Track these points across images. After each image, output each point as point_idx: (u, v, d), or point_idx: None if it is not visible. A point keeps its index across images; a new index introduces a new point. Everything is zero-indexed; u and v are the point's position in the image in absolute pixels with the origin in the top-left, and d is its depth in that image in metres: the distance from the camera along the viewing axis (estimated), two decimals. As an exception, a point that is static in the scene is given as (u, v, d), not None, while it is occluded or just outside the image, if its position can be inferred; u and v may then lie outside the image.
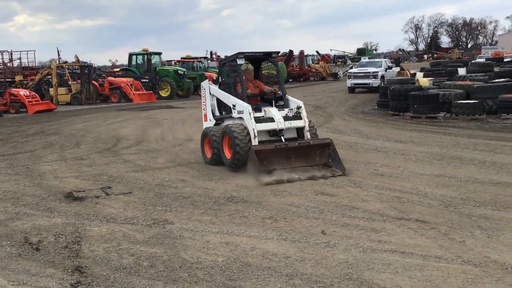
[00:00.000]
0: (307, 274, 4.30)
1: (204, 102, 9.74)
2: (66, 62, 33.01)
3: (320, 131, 9.11)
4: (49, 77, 26.89)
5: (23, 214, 6.38)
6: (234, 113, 8.46)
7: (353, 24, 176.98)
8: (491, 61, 27.96)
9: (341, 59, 54.63)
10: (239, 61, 8.61)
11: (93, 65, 36.79)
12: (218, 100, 9.35)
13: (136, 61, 29.20)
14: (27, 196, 7.28)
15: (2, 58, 32.50)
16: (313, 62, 49.55)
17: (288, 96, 8.90)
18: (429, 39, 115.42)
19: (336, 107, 19.43)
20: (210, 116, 9.57)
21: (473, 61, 28.27)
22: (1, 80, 29.18)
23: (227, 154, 8.38)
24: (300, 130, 8.44)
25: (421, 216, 5.74)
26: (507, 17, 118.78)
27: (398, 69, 29.49)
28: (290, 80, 41.49)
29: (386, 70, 27.10)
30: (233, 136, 7.95)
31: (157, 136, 13.32)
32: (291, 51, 41.80)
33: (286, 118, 8.30)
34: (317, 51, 58.42)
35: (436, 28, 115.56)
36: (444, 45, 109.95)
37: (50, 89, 26.34)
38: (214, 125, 9.35)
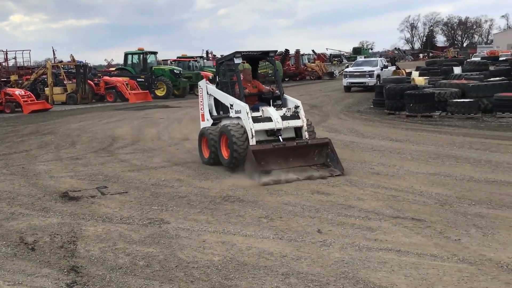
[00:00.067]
0: (303, 273, 4.31)
1: (201, 101, 9.69)
2: (61, 61, 32.96)
3: (316, 130, 9.10)
4: (44, 76, 26.80)
5: (19, 214, 6.36)
6: (232, 112, 8.40)
7: (349, 23, 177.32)
8: (486, 60, 28.08)
9: (337, 58, 54.57)
10: (237, 61, 8.56)
11: (89, 65, 36.74)
12: (216, 100, 9.30)
13: (132, 61, 29.11)
14: (23, 196, 7.26)
15: (-3, 58, 32.41)
16: (309, 61, 49.55)
17: (286, 96, 8.83)
18: (424, 38, 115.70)
19: (332, 106, 19.44)
20: (207, 116, 9.52)
21: (468, 60, 28.39)
22: (-4, 79, 29.07)
23: (225, 154, 8.33)
24: (298, 130, 8.38)
25: (416, 215, 5.75)
26: (502, 16, 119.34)
27: (393, 68, 29.59)
28: (286, 79, 41.47)
29: (382, 69, 27.17)
30: (231, 136, 7.91)
31: (153, 135, 13.30)
32: (287, 50, 41.80)
33: (284, 117, 8.25)
34: (313, 50, 58.48)
35: (431, 27, 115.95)
36: (439, 44, 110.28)
37: (45, 88, 26.22)
38: (212, 125, 9.30)
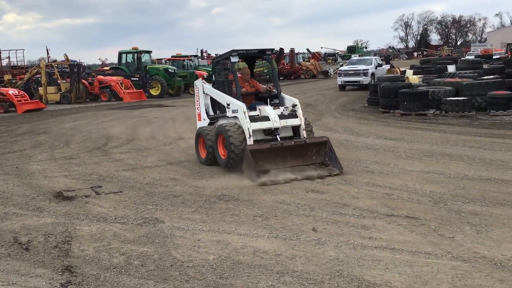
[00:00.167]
0: (298, 271, 4.31)
1: (197, 101, 9.56)
2: (55, 60, 32.86)
3: (311, 129, 9.08)
4: (38, 76, 26.70)
5: (13, 214, 6.33)
6: (229, 112, 8.31)
7: (343, 22, 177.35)
8: (480, 58, 28.15)
9: (331, 57, 54.58)
10: (233, 59, 8.43)
11: (83, 64, 36.60)
12: (212, 99, 9.18)
13: (126, 60, 29.05)
14: (17, 196, 7.23)
15: (-9, 57, 32.27)
16: (303, 60, 49.60)
17: (283, 94, 8.74)
18: (418, 36, 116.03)
19: (327, 105, 19.47)
20: (204, 115, 9.40)
21: (462, 58, 28.46)
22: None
23: (222, 154, 8.26)
24: (296, 129, 8.28)
25: (411, 213, 5.77)
26: (496, 15, 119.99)
27: (388, 66, 29.64)
28: (281, 78, 41.40)
29: (376, 68, 27.24)
30: (228, 136, 7.82)
31: (148, 134, 13.27)
32: (281, 49, 41.80)
33: (281, 116, 8.16)
34: (307, 49, 58.48)
35: (425, 26, 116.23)
36: (433, 43, 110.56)
37: (39, 88, 26.15)
38: (208, 124, 9.19)
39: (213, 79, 9.30)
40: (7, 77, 27.88)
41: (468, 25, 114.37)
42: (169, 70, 28.94)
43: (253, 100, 8.90)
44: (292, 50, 44.81)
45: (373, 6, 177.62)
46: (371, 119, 14.64)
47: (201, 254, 4.77)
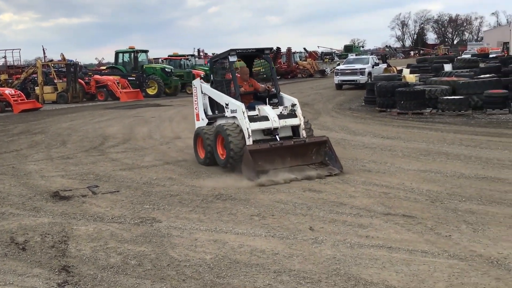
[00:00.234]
0: (295, 270, 4.32)
1: (196, 101, 9.48)
2: (51, 60, 32.75)
3: (308, 128, 9.07)
4: (34, 75, 26.65)
5: (9, 214, 6.31)
6: (227, 112, 8.25)
7: (340, 21, 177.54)
8: (476, 57, 28.23)
9: (328, 56, 54.67)
10: (231, 58, 8.36)
11: (79, 63, 36.51)
12: (211, 99, 9.10)
13: (123, 59, 29.02)
14: (13, 196, 7.21)
15: (-13, 57, 32.18)
16: (300, 59, 49.60)
17: (282, 94, 8.66)
18: (415, 35, 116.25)
19: (324, 104, 19.49)
20: (202, 115, 9.32)
21: (459, 57, 28.55)
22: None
23: (221, 154, 8.21)
24: (295, 128, 8.23)
25: (407, 211, 5.78)
26: (492, 13, 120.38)
27: (385, 65, 29.70)
28: (278, 77, 41.46)
29: (373, 67, 27.27)
30: (227, 136, 7.77)
31: (145, 134, 13.25)
32: (278, 48, 41.81)
33: (280, 116, 8.10)
34: (304, 48, 58.59)
35: (422, 25, 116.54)
36: (430, 42, 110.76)
37: (35, 87, 26.09)
38: (207, 124, 9.11)
39: (211, 78, 9.22)
40: (3, 76, 27.83)
41: (465, 24, 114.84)
42: (166, 69, 28.91)
43: (251, 99, 8.84)
44: (289, 49, 44.84)
45: (370, 5, 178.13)
46: (368, 118, 14.65)
47: (198, 254, 4.77)
